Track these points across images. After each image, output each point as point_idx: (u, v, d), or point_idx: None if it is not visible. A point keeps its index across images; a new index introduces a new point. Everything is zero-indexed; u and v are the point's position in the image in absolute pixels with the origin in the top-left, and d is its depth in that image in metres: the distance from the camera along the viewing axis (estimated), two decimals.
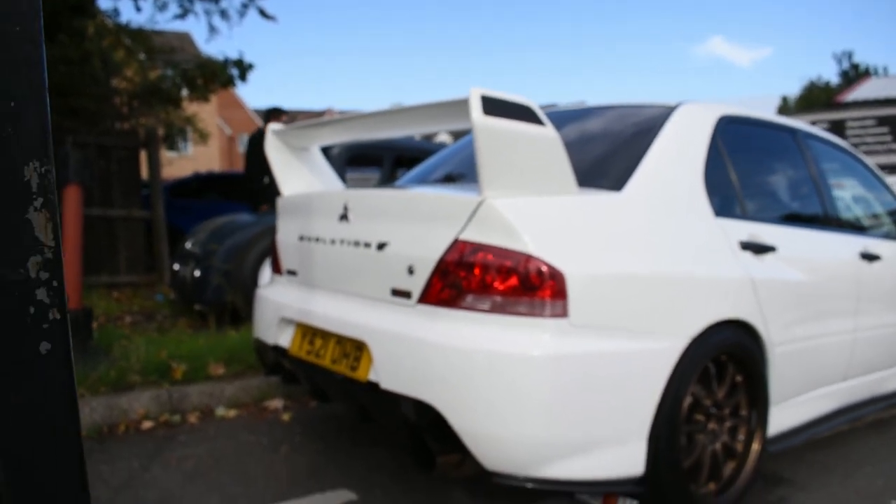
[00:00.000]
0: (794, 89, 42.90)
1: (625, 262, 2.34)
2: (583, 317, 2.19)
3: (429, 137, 11.24)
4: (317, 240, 2.92)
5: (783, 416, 3.01)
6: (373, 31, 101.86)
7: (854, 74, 37.75)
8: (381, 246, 2.55)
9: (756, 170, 3.23)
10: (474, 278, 2.23)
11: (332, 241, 2.81)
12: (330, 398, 3.04)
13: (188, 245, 5.77)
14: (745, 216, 2.88)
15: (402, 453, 3.22)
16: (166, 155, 10.43)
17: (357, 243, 2.66)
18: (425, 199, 2.56)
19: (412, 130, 2.93)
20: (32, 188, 0.56)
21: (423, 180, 3.40)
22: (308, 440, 3.47)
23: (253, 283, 4.96)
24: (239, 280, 4.99)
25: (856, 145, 12.14)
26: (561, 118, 3.22)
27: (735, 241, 2.73)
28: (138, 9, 8.48)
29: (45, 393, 0.57)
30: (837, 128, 12.37)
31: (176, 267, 5.81)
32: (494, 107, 2.15)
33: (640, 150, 2.69)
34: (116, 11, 8.71)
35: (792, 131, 3.49)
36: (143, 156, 7.93)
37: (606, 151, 2.84)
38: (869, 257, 3.51)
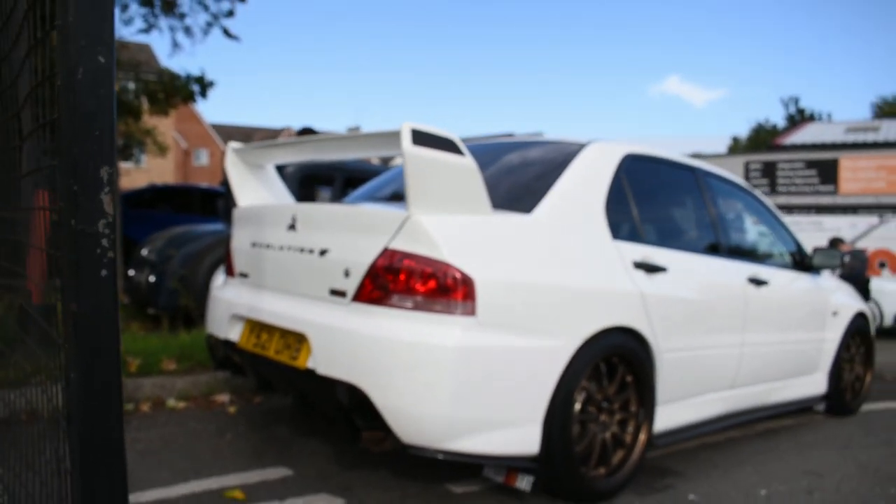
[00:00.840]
0: (745, 130, 44.59)
1: (528, 273, 2.78)
2: (489, 316, 2.62)
3: (386, 161, 11.67)
4: (267, 246, 3.31)
5: (670, 414, 3.47)
6: (333, 51, 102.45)
7: (799, 119, 39.43)
8: (322, 252, 2.95)
9: (655, 201, 3.72)
10: (400, 281, 2.65)
11: (281, 248, 3.20)
12: (273, 386, 3.41)
13: (144, 252, 6.08)
14: (640, 240, 3.36)
15: (336, 440, 3.59)
16: (122, 166, 10.64)
17: (302, 250, 3.06)
18: (362, 213, 2.98)
19: (353, 155, 3.35)
20: (104, 181, 0.96)
21: (367, 198, 3.81)
22: (251, 429, 3.82)
23: (206, 288, 5.30)
24: (193, 285, 5.32)
25: (786, 185, 12.92)
26: (490, 149, 3.69)
27: (629, 261, 3.20)
28: None
29: (100, 301, 0.98)
30: (770, 169, 13.14)
31: (131, 273, 6.10)
32: (422, 138, 2.58)
33: (551, 179, 3.15)
34: None
35: (692, 170, 4.00)
36: None
37: (523, 180, 3.30)
38: (757, 282, 4.02)
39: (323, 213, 3.17)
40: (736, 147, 42.26)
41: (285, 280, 3.19)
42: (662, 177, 3.86)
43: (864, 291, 9.07)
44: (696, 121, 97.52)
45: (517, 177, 3.35)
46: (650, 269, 3.29)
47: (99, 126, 1.00)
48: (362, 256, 2.76)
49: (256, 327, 3.27)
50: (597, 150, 3.40)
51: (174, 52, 9.70)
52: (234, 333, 3.41)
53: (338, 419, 2.86)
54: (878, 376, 6.80)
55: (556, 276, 2.87)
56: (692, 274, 3.60)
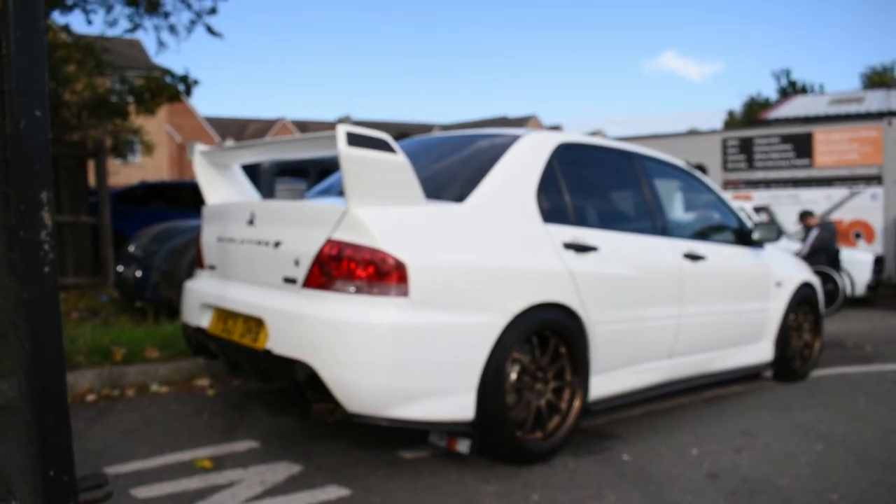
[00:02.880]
0: (738, 104, 44.63)
1: (458, 256, 3.10)
2: (422, 296, 2.94)
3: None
4: (230, 240, 3.62)
5: (605, 382, 3.78)
6: (323, 40, 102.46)
7: (791, 91, 39.48)
8: (276, 244, 3.27)
9: (587, 186, 4.02)
10: (342, 268, 2.97)
11: (242, 241, 3.52)
12: (240, 368, 3.73)
13: (131, 248, 6.41)
14: (571, 223, 3.66)
15: (303, 417, 3.92)
16: (114, 164, 10.95)
17: (259, 242, 3.38)
18: (308, 208, 3.29)
19: (298, 156, 3.66)
20: (44, 202, 1.30)
21: (326, 191, 4.13)
22: (226, 409, 4.16)
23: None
24: (176, 279, 5.63)
25: (763, 161, 13.16)
26: (433, 144, 4.00)
27: (559, 242, 3.51)
28: (89, 22, 9.06)
29: (46, 291, 1.32)
30: (747, 145, 13.37)
31: (120, 268, 6.43)
32: (356, 140, 2.88)
33: (484, 170, 3.46)
34: (68, 27, 9.21)
35: (627, 155, 4.30)
36: (92, 165, 8.51)
37: (458, 171, 3.61)
38: (693, 257, 4.33)
39: (276, 208, 3.49)
40: (731, 122, 42.38)
41: (246, 270, 3.51)
42: (597, 163, 4.16)
43: (834, 262, 9.37)
44: (693, 96, 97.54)
45: (454, 169, 3.65)
46: (580, 248, 3.59)
47: (38, 162, 1.35)
48: (310, 247, 3.08)
49: (223, 314, 3.59)
50: (529, 141, 3.70)
51: (160, 51, 9.99)
52: (205, 321, 3.73)
53: (294, 394, 3.19)
54: (840, 343, 7.11)
55: (485, 259, 3.18)
56: (624, 252, 3.90)
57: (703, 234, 4.83)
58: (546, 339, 3.45)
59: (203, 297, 3.76)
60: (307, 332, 3.01)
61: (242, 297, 3.44)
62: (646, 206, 4.26)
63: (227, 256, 3.68)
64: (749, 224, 5.06)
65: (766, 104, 38.88)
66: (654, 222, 4.25)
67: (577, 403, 3.56)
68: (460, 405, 3.09)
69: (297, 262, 3.14)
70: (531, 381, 3.40)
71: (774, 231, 4.90)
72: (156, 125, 27.15)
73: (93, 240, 8.55)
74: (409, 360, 2.93)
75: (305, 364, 2.98)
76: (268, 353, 3.16)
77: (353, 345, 2.90)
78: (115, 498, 2.85)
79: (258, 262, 3.40)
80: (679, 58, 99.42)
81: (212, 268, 3.85)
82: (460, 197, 3.33)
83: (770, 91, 43.59)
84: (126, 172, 23.30)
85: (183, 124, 39.06)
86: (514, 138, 3.72)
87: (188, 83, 9.23)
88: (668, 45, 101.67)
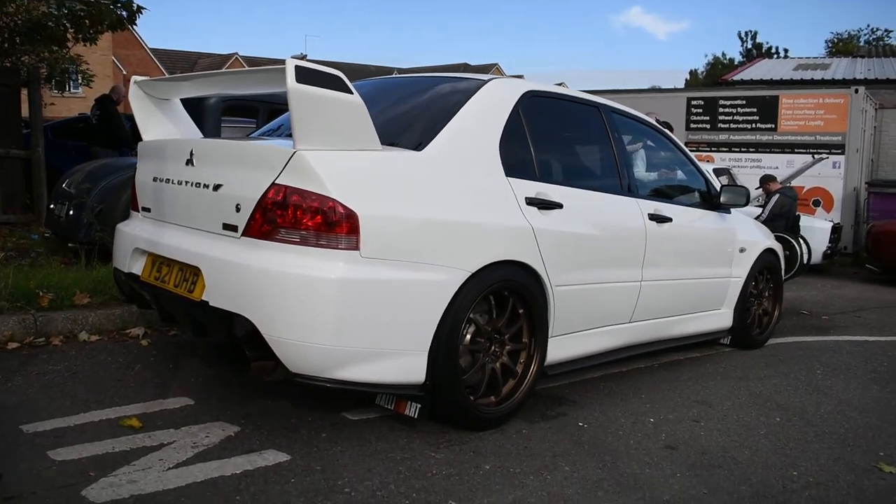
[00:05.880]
0: (702, 64, 44.52)
1: (414, 209, 2.85)
2: (372, 250, 2.70)
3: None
4: (167, 181, 3.31)
5: (564, 346, 3.61)
6: None
7: (756, 54, 39.50)
8: (216, 187, 2.97)
9: (554, 139, 3.80)
10: (286, 215, 2.69)
11: (179, 182, 3.21)
12: (175, 319, 3.46)
13: (64, 185, 6.00)
14: (535, 177, 3.43)
15: (237, 372, 3.68)
16: (51, 95, 10.33)
17: (198, 185, 3.08)
18: (252, 148, 3.00)
19: (243, 91, 3.35)
20: None
21: (271, 133, 3.82)
22: (160, 361, 3.89)
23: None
24: (111, 220, 5.27)
25: (727, 123, 13.08)
26: (393, 85, 3.71)
27: (522, 197, 3.28)
28: None
29: None
30: (712, 106, 13.25)
31: (52, 206, 6.03)
32: (307, 76, 2.59)
33: (446, 117, 3.20)
34: None
35: (596, 107, 4.07)
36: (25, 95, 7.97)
37: (418, 116, 3.34)
38: (659, 219, 4.15)
39: (217, 148, 3.19)
40: (693, 81, 42.37)
41: (183, 215, 3.21)
42: (564, 115, 3.93)
43: (794, 228, 9.34)
44: (657, 54, 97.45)
45: (415, 114, 3.39)
46: (544, 205, 3.37)
47: None
48: (252, 192, 2.80)
49: (157, 261, 3.30)
50: (495, 87, 3.44)
51: None
52: (137, 267, 3.44)
53: (231, 349, 2.94)
54: (796, 311, 7.10)
55: (442, 212, 2.94)
56: (589, 210, 3.70)
57: (670, 194, 4.66)
58: (504, 299, 3.24)
59: (136, 242, 3.46)
60: (247, 285, 2.74)
61: (178, 243, 3.15)
62: (613, 163, 4.05)
63: (162, 198, 3.38)
64: (716, 187, 4.89)
65: (731, 65, 38.89)
66: (621, 180, 4.05)
67: (533, 367, 3.38)
68: (411, 367, 2.87)
69: (237, 208, 2.85)
70: (486, 343, 3.20)
71: (743, 195, 4.75)
72: (100, 56, 26.00)
73: (26, 175, 8.05)
74: (356, 318, 2.69)
75: (244, 318, 2.72)
76: (204, 305, 2.90)
77: (297, 300, 2.65)
78: (31, 460, 2.60)
79: (196, 206, 3.11)
80: (645, 14, 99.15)
81: (146, 210, 3.54)
82: (419, 145, 3.06)
83: (734, 52, 43.46)
84: (67, 104, 22.28)
85: (129, 56, 37.53)
86: (479, 84, 3.45)
87: (131, 10, 8.63)
88: (636, 0, 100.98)
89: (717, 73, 39.44)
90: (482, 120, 3.30)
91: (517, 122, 3.44)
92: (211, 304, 2.86)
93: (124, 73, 34.87)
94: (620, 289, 3.93)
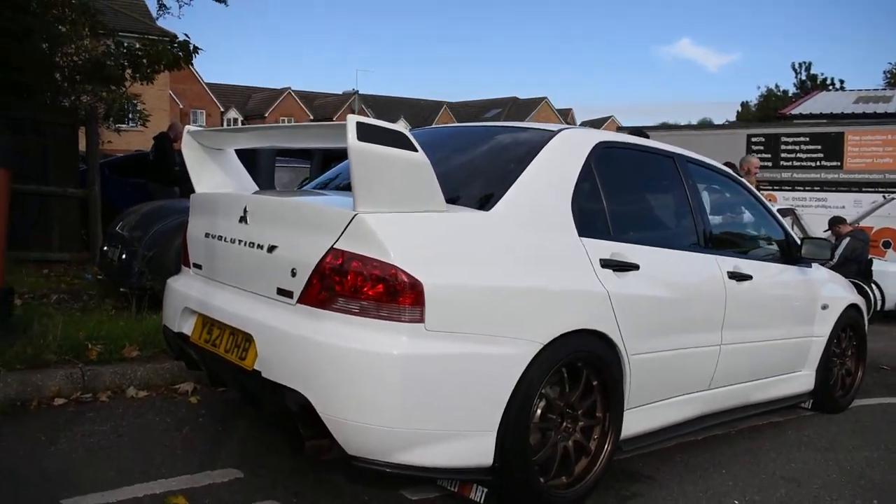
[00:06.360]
0: (754, 97, 43.80)
1: (483, 275, 2.62)
2: (438, 322, 2.47)
3: None
4: (220, 238, 3.15)
5: (640, 419, 3.32)
6: (335, 15, 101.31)
7: (811, 86, 38.66)
8: (271, 248, 2.79)
9: (628, 193, 3.54)
10: (346, 283, 2.49)
11: (232, 241, 3.04)
12: (225, 383, 3.27)
13: (118, 227, 5.92)
14: (610, 236, 3.18)
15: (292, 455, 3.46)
16: (108, 132, 10.42)
17: (252, 244, 2.90)
18: (309, 209, 2.82)
19: (301, 144, 3.18)
20: None
21: (325, 185, 3.64)
22: (210, 422, 3.70)
23: (177, 269, 5.14)
24: (163, 266, 5.15)
25: (790, 160, 12.65)
26: (453, 136, 3.50)
27: (596, 259, 3.03)
28: None
29: None
30: (774, 143, 12.85)
31: (105, 248, 5.95)
32: (369, 133, 2.40)
33: (514, 172, 2.97)
34: None
35: (671, 157, 3.80)
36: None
37: (482, 171, 3.12)
38: (738, 277, 3.85)
39: (273, 206, 3.01)
40: (745, 114, 41.67)
41: (236, 276, 3.04)
42: (638, 166, 3.67)
43: (866, 273, 8.88)
44: (707, 86, 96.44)
45: (478, 168, 3.18)
46: (620, 267, 3.12)
47: None
48: (309, 256, 2.60)
49: (208, 323, 3.13)
50: (566, 138, 3.21)
51: (161, 14, 9.47)
52: (187, 327, 3.28)
53: (283, 425, 2.73)
54: (875, 365, 6.62)
55: (513, 279, 2.70)
56: (667, 271, 3.43)
57: (748, 248, 4.35)
58: (577, 371, 2.98)
59: (186, 301, 3.29)
60: (301, 357, 2.54)
61: (230, 306, 2.97)
62: (689, 217, 3.77)
63: (214, 256, 3.21)
64: (795, 238, 4.57)
65: (785, 97, 38.14)
66: (699, 236, 3.77)
67: (608, 444, 3.10)
68: (477, 449, 2.62)
69: (293, 273, 2.66)
70: (558, 420, 2.94)
71: (826, 248, 4.42)
72: (157, 91, 26.53)
73: (82, 213, 8.06)
74: (420, 397, 2.46)
75: (298, 393, 2.52)
76: (256, 375, 2.70)
77: (356, 377, 2.43)
78: None
79: (249, 268, 2.93)
80: (695, 46, 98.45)
81: (197, 266, 3.38)
82: (485, 203, 2.84)
83: (788, 84, 42.57)
84: (126, 138, 22.68)
85: (186, 90, 38.40)
86: (549, 135, 3.22)
87: (187, 50, 8.69)
88: (685, 32, 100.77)
89: (771, 105, 38.73)
90: (553, 175, 3.07)
91: (589, 175, 3.20)
92: (263, 374, 2.66)
93: (181, 106, 35.67)
94: (699, 354, 3.63)
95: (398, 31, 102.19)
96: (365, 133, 2.38)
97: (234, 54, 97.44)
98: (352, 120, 2.38)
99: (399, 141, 2.46)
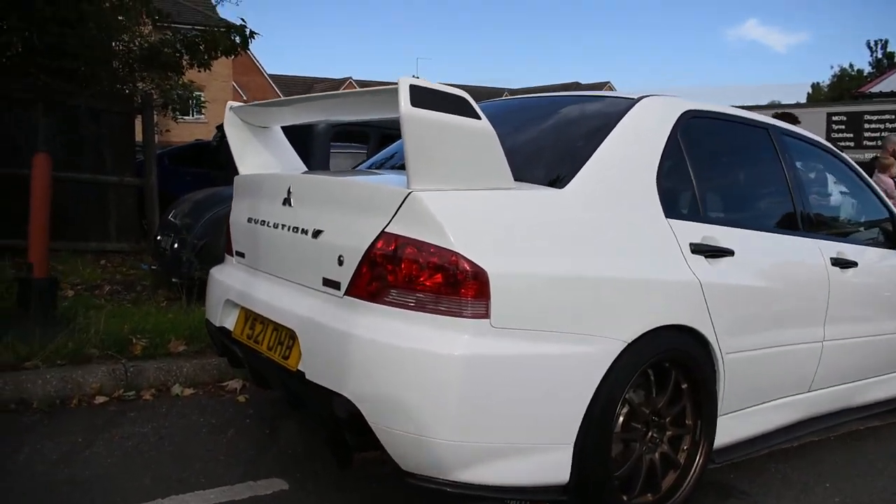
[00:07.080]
0: (826, 77, 42.06)
1: (556, 263, 2.25)
2: (506, 318, 2.12)
3: None
4: (262, 223, 2.86)
5: (734, 426, 2.92)
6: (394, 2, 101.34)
7: (887, 64, 36.83)
8: (316, 234, 2.48)
9: (720, 169, 3.13)
10: (399, 272, 2.16)
11: (275, 226, 2.75)
12: (270, 384, 2.99)
13: (170, 216, 5.73)
14: (700, 218, 2.78)
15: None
16: (169, 120, 10.36)
17: (296, 229, 2.59)
18: (357, 188, 2.50)
19: (349, 116, 2.86)
20: None
21: (380, 165, 3.32)
22: (257, 424, 3.43)
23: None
24: (214, 255, 4.91)
25: (874, 140, 11.87)
26: (519, 107, 3.14)
27: (686, 244, 2.63)
28: None
29: None
30: (856, 121, 12.08)
31: (158, 237, 5.77)
32: (424, 98, 2.06)
33: (590, 145, 2.58)
34: None
35: (765, 128, 3.36)
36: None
37: (553, 144, 2.75)
38: (843, 264, 3.39)
39: (318, 185, 2.70)
40: (816, 95, 40.05)
41: (279, 264, 2.74)
42: (729, 139, 3.24)
43: None
44: (775, 67, 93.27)
45: (550, 142, 2.80)
46: (712, 252, 2.71)
47: None
48: (358, 241, 2.28)
49: (251, 317, 2.84)
50: (648, 107, 2.81)
51: (219, 2, 9.31)
52: (230, 321, 3.00)
53: (328, 433, 2.42)
54: None
55: (592, 267, 2.32)
56: (764, 257, 3.00)
57: (851, 231, 3.86)
58: (665, 373, 2.59)
59: (228, 293, 3.02)
60: (349, 359, 2.21)
61: (273, 299, 2.67)
62: (787, 196, 3.32)
63: (257, 243, 2.92)
64: None
65: (860, 77, 36.45)
66: (798, 217, 3.32)
67: (700, 455, 2.71)
68: (551, 465, 2.26)
69: (340, 261, 2.34)
70: (643, 429, 2.56)
71: None
72: (221, 82, 26.76)
73: (139, 202, 7.95)
74: (485, 405, 2.11)
75: (346, 399, 2.20)
76: (300, 376, 2.40)
77: (411, 382, 2.09)
78: None
79: (293, 256, 2.63)
80: (762, 26, 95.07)
81: (240, 255, 3.10)
82: (558, 180, 2.46)
83: (863, 63, 40.62)
84: (189, 129, 22.86)
85: (249, 82, 38.67)
86: (629, 103, 2.81)
87: (244, 35, 8.47)
88: (752, 12, 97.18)
89: (845, 85, 37.07)
90: (635, 148, 2.67)
91: (676, 149, 2.80)
92: (307, 376, 2.35)
93: (244, 98, 36.00)
94: (799, 352, 3.19)
95: (457, 17, 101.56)
96: (420, 98, 2.04)
97: (296, 44, 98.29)
98: (404, 82, 2.04)
99: (460, 107, 2.11)
